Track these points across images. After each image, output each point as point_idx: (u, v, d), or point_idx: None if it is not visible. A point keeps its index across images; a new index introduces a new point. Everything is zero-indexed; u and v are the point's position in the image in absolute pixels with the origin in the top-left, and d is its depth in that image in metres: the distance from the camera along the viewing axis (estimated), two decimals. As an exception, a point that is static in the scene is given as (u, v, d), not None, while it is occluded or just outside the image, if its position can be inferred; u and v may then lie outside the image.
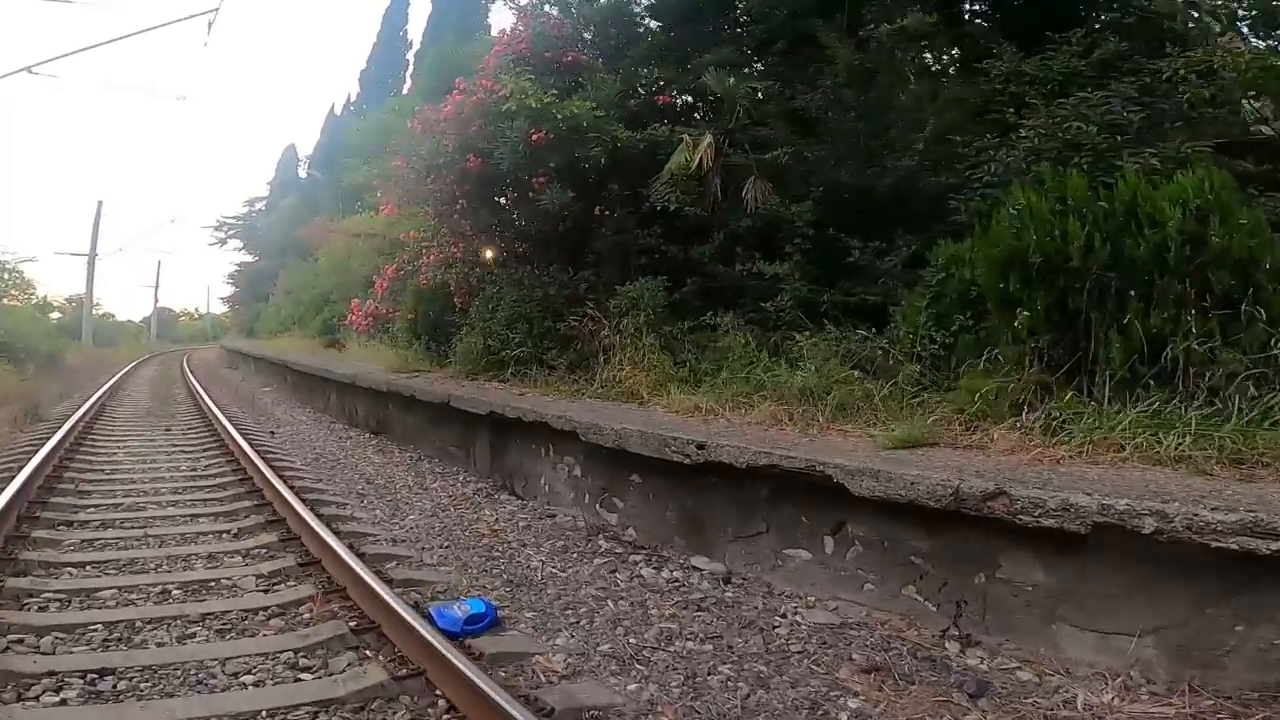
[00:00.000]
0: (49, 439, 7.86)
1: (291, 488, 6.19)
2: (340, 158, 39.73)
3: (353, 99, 44.51)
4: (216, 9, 12.04)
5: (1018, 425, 4.06)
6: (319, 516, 5.30)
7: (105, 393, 14.36)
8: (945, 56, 8.53)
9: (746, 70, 8.51)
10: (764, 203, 7.39)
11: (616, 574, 4.62)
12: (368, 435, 10.07)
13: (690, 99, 8.80)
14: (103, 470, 7.12)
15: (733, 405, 5.43)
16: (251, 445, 8.20)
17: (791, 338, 6.06)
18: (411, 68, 37.84)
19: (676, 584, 4.45)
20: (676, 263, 7.65)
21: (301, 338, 23.25)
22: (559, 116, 7.44)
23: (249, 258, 49.10)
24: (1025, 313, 4.30)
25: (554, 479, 6.33)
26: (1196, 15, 6.83)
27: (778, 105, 7.53)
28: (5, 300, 31.41)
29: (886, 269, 6.18)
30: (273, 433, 10.30)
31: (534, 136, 7.60)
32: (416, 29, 42.48)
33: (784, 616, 3.92)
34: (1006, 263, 4.42)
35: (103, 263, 69.18)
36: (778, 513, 4.40)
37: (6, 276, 31.48)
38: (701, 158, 7.22)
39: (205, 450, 8.50)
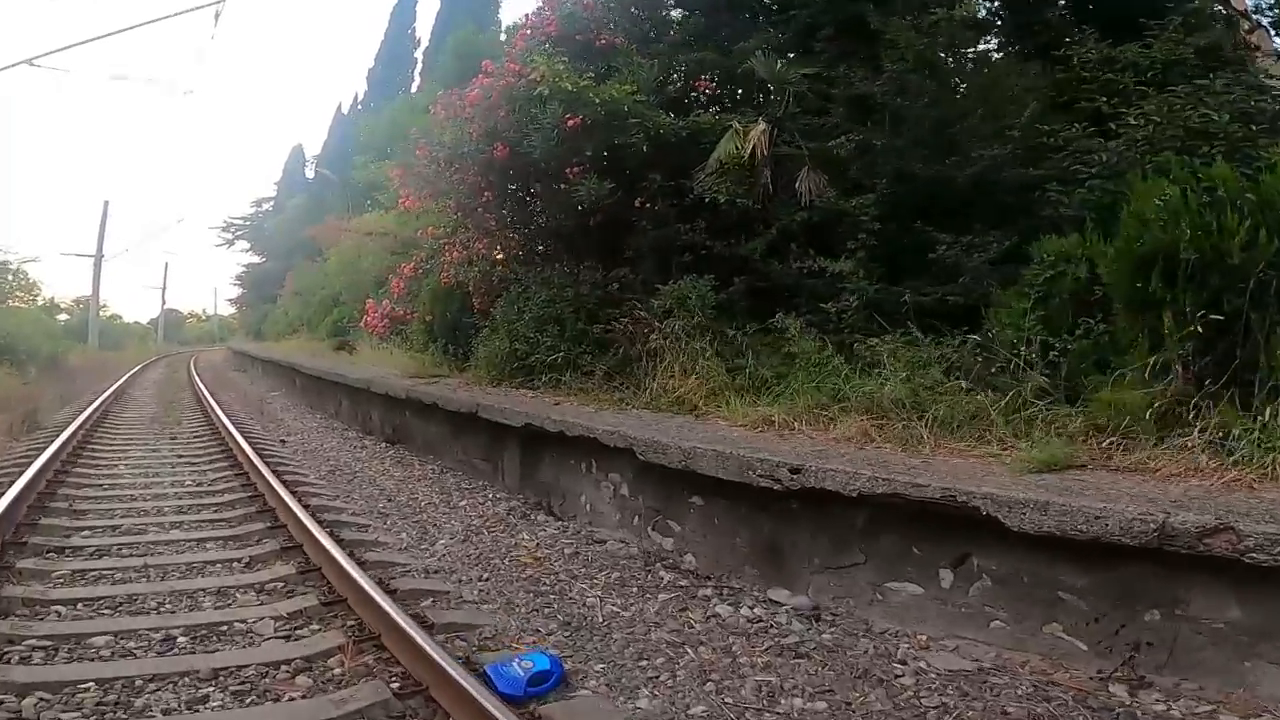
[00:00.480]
0: (44, 450, 7.29)
1: (306, 506, 5.61)
2: (348, 157, 39.38)
3: (360, 98, 44.07)
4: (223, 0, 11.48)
5: (1173, 443, 3.44)
6: (339, 542, 4.72)
7: (109, 397, 13.82)
8: (1012, 44, 7.94)
9: (792, 56, 7.90)
10: (818, 195, 6.80)
11: (688, 612, 4.02)
12: (384, 445, 9.48)
13: (731, 86, 8.17)
14: (101, 486, 6.54)
15: (809, 419, 4.82)
16: (261, 456, 7.62)
17: (862, 341, 5.45)
18: (420, 65, 37.35)
19: (760, 623, 3.85)
20: (721, 260, 7.04)
21: (310, 340, 22.69)
22: (597, 101, 6.86)
23: (256, 259, 48.70)
24: (1169, 316, 3.69)
25: (596, 498, 5.73)
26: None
27: (843, 89, 6.92)
28: (10, 302, 31.05)
29: (973, 266, 5.55)
30: (283, 441, 9.72)
31: (569, 122, 7.01)
32: (425, 27, 41.77)
33: (903, 663, 3.32)
34: (1145, 260, 3.80)
35: (110, 264, 68.88)
36: (879, 543, 3.81)
37: (11, 278, 31.10)
38: (755, 145, 6.63)
39: (212, 462, 7.92)
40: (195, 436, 9.75)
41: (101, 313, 45.54)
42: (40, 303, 40.91)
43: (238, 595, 4.04)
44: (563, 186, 7.51)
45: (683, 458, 4.40)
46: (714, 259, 7.05)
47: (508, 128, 7.51)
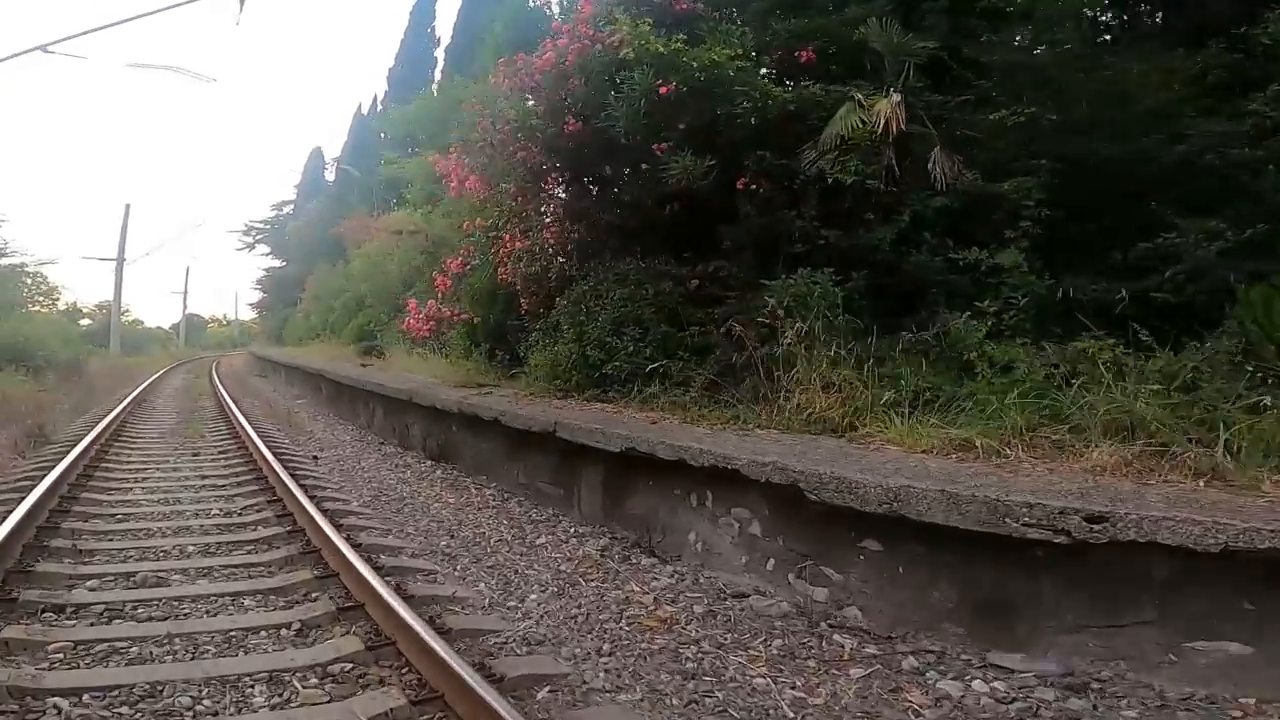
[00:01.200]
0: (51, 470, 6.34)
1: (356, 546, 4.64)
2: (369, 157, 38.69)
3: (380, 99, 43.40)
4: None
5: None
6: (408, 599, 3.73)
7: (127, 406, 12.92)
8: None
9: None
10: (953, 178, 5.78)
11: (903, 694, 2.97)
12: (429, 462, 8.48)
13: (836, 58, 7.13)
14: (113, 518, 5.56)
15: (1026, 444, 3.77)
16: (295, 477, 6.67)
17: (1057, 345, 4.40)
18: (442, 63, 36.50)
19: (1013, 701, 2.83)
20: (836, 252, 6.00)
21: (334, 345, 21.82)
22: (695, 65, 5.86)
23: (276, 263, 48.11)
24: None
25: (714, 537, 4.69)
26: None
27: (1000, 56, 5.90)
28: (30, 308, 30.43)
29: (1200, 257, 4.48)
30: (315, 457, 8.74)
31: (661, 90, 6.00)
32: (444, 25, 40.93)
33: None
34: None
35: (131, 268, 68.74)
36: (1183, 598, 2.80)
37: (29, 282, 30.47)
38: (888, 120, 5.61)
39: (240, 484, 6.94)
40: (220, 453, 8.79)
41: (123, 318, 45.08)
42: (62, 307, 40.49)
43: (295, 683, 3.02)
44: (645, 167, 6.50)
45: (887, 499, 3.35)
46: (830, 250, 6.00)
47: (580, 99, 6.50)
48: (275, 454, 8.12)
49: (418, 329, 8.77)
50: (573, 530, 5.63)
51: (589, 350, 6.75)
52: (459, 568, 4.72)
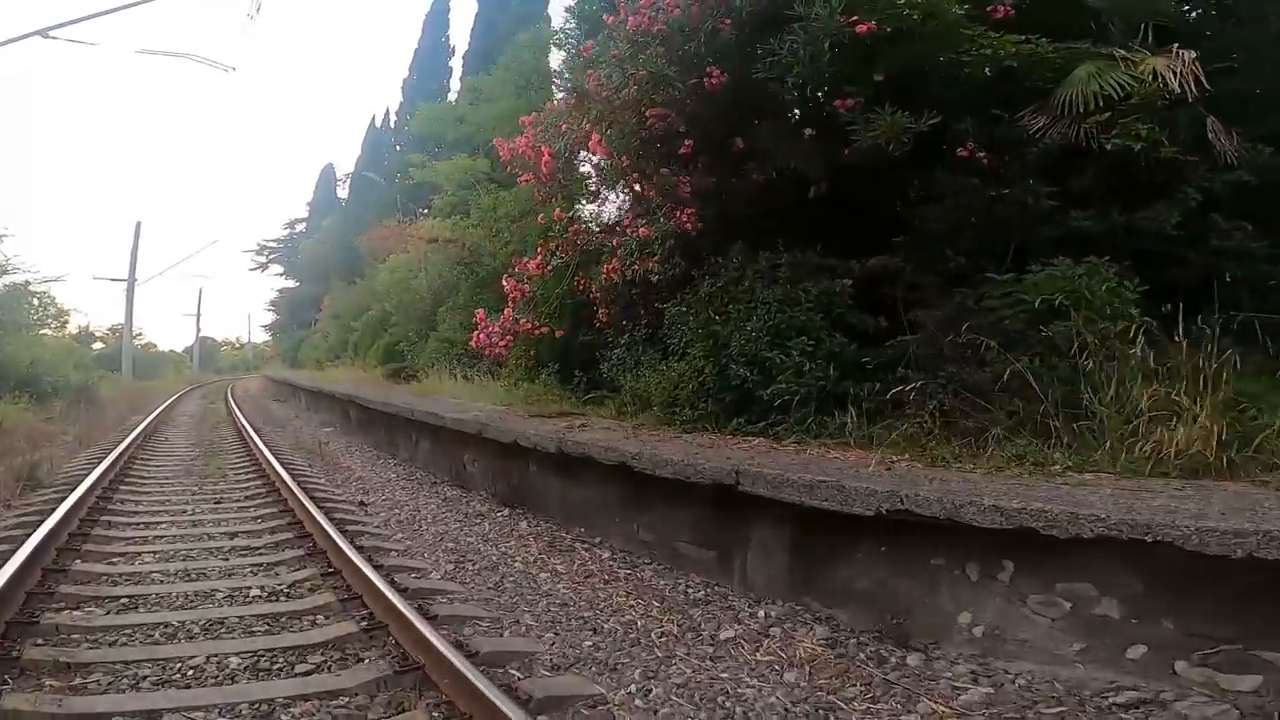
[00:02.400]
0: (39, 526, 4.85)
1: (472, 656, 3.16)
2: (383, 169, 37.54)
3: (393, 112, 42.40)
4: None
5: None
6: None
7: (138, 436, 11.43)
8: None
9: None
10: (1235, 151, 4.29)
11: None
12: (504, 511, 6.90)
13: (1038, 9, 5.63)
14: (116, 605, 4.03)
15: None
16: (347, 534, 5.23)
17: None
18: (459, 72, 35.41)
19: None
20: (1086, 237, 4.46)
21: (357, 367, 20.38)
22: (901, 1, 4.36)
23: (290, 283, 47.00)
24: None
25: (1010, 620, 3.15)
26: None
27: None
28: (39, 331, 29.13)
29: None
30: (363, 503, 7.22)
31: (860, 28, 4.49)
32: (458, 35, 39.94)
33: None
34: None
35: (143, 289, 67.85)
36: None
37: (36, 303, 29.15)
38: (1181, 76, 4.15)
39: (279, 546, 5.41)
40: (248, 497, 7.26)
41: (136, 341, 43.88)
42: (73, 330, 39.29)
43: None
44: (809, 132, 4.96)
45: None
46: (1082, 236, 4.47)
47: (726, 46, 5.00)
48: (315, 499, 6.62)
49: (492, 346, 7.19)
50: (754, 611, 4.06)
51: (734, 368, 5.20)
52: (636, 691, 3.14)
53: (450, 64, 39.37)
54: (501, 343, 7.18)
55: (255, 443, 10.84)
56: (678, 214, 5.85)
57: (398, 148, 34.81)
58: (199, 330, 51.87)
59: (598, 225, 7.19)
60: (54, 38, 10.21)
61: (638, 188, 5.95)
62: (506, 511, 6.78)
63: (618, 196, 6.35)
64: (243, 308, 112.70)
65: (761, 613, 4.03)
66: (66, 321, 35.32)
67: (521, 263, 7.74)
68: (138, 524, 6.00)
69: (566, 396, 8.27)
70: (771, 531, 4.24)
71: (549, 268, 7.36)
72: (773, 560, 4.27)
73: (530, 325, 7.34)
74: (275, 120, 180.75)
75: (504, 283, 7.92)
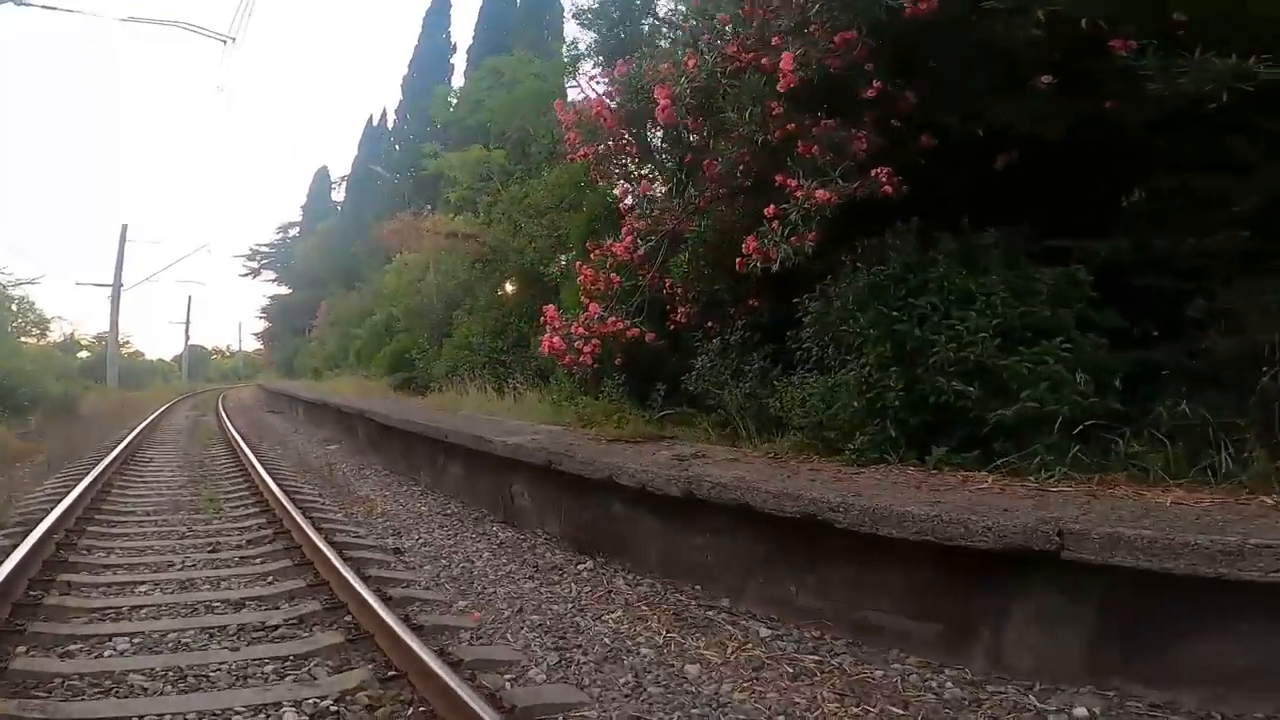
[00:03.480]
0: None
1: None
2: (381, 166, 36.06)
3: (390, 111, 41.00)
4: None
5: None
6: None
7: (119, 455, 9.92)
8: None
9: None
10: None
11: None
12: (583, 560, 5.44)
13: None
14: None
15: None
16: (394, 606, 3.82)
17: None
18: (462, 68, 34.10)
19: None
20: None
21: (360, 377, 18.88)
22: None
23: (283, 289, 45.40)
24: None
25: None
26: None
27: None
28: (17, 339, 27.50)
29: None
30: (398, 550, 5.76)
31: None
32: (459, 32, 38.79)
33: None
34: None
35: (131, 296, 66.14)
36: None
37: (15, 309, 27.48)
38: None
39: (305, 619, 3.97)
40: (251, 542, 5.78)
41: (123, 349, 42.19)
42: (57, 338, 37.61)
43: None
44: (1042, 81, 3.53)
45: None
46: None
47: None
48: (336, 546, 5.24)
49: (567, 352, 5.64)
50: (1044, 707, 2.63)
51: (935, 381, 3.78)
52: None
53: (452, 61, 38.11)
54: (587, 348, 5.66)
55: (253, 464, 9.35)
56: (859, 177, 4.35)
57: (397, 147, 33.40)
58: (188, 338, 50.16)
59: (684, 200, 5.72)
60: (27, 4, 8.73)
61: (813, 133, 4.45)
62: (588, 563, 5.31)
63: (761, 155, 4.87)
64: (233, 315, 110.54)
65: (1055, 704, 2.60)
66: (48, 329, 33.73)
67: (604, 246, 6.21)
68: (108, 587, 4.51)
69: (638, 414, 6.82)
70: (1060, 599, 2.84)
71: (638, 253, 5.89)
72: (1056, 634, 2.87)
73: (618, 325, 5.85)
74: (268, 122, 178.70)
75: (581, 272, 6.38)
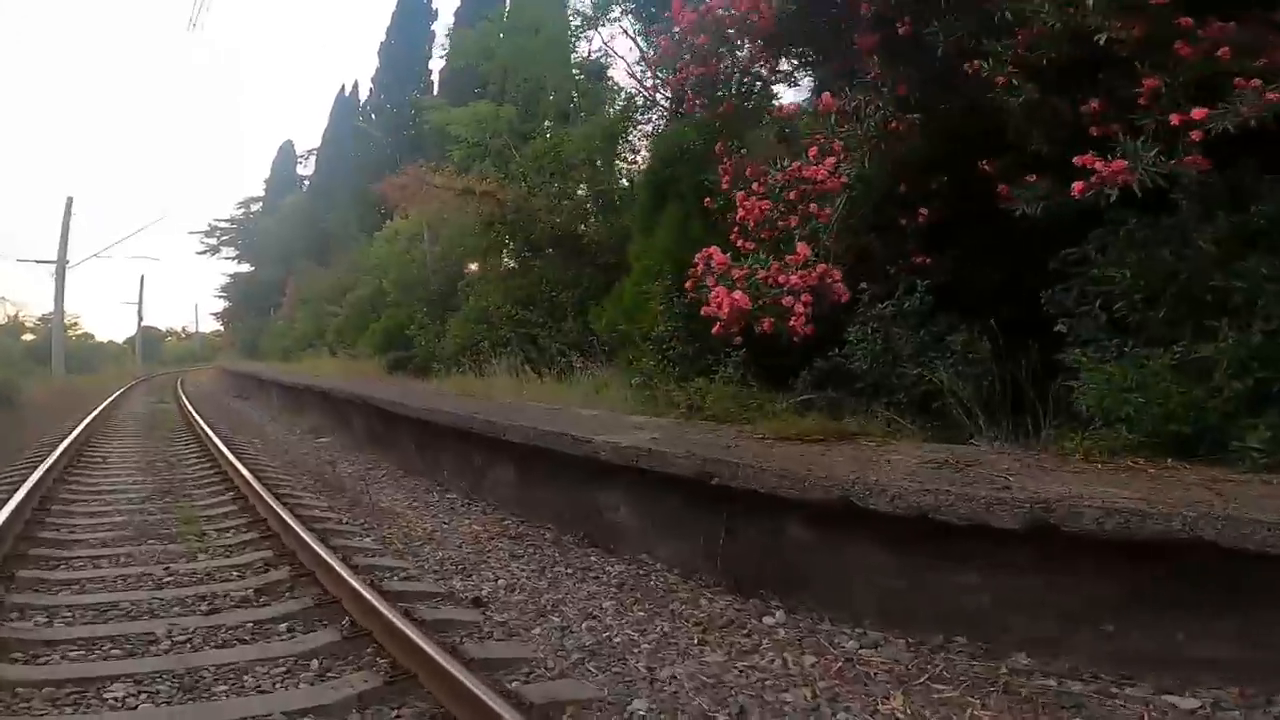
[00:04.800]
0: None
1: None
2: (350, 140, 33.77)
3: (360, 84, 38.43)
4: None
5: None
6: None
7: (61, 458, 7.91)
8: None
9: None
10: None
11: None
12: (767, 609, 3.75)
13: None
14: None
15: None
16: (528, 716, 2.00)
17: None
18: (439, 38, 31.81)
19: None
20: None
21: (344, 358, 16.85)
22: None
23: (244, 267, 42.56)
24: None
25: None
26: None
27: None
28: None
29: None
30: (479, 601, 4.01)
31: None
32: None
33: None
34: None
35: (80, 275, 62.34)
36: None
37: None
38: None
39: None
40: (262, 593, 3.98)
41: (70, 331, 39.31)
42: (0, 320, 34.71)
43: None
44: None
45: None
46: None
47: None
48: (388, 598, 3.47)
49: (747, 318, 3.75)
50: None
51: None
52: None
53: (433, 28, 35.68)
54: (799, 306, 3.81)
55: (234, 466, 7.45)
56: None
57: (373, 116, 31.08)
58: (141, 319, 47.01)
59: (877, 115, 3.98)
60: None
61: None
62: (776, 614, 3.62)
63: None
64: (190, 295, 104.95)
65: None
66: (-15, 308, 30.91)
67: (789, 169, 4.29)
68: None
69: (770, 400, 5.13)
70: None
71: (842, 176, 4.05)
72: None
73: (831, 276, 3.99)
74: (229, 94, 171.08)
75: (742, 205, 4.44)
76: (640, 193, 7.90)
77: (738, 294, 3.47)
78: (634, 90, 11.78)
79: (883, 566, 3.45)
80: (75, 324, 42.91)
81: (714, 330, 4.00)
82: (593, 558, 4.81)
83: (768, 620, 3.63)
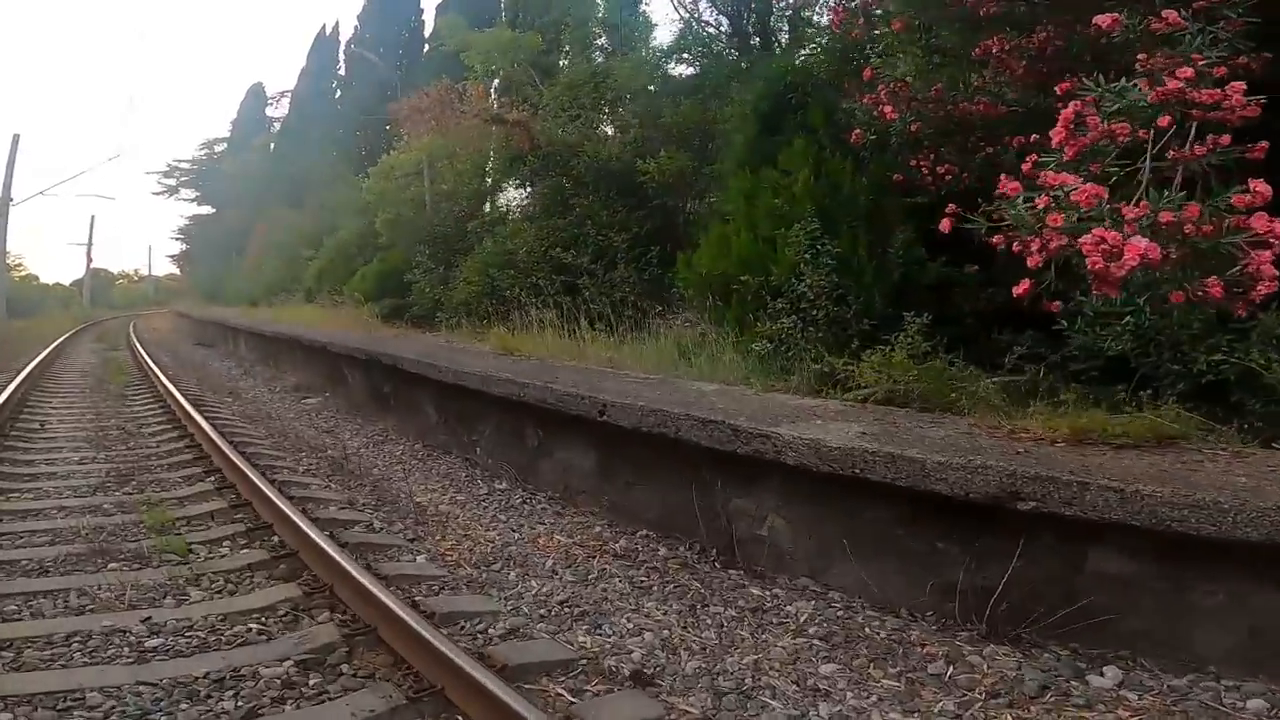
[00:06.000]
0: None
1: None
2: (331, 80, 31.49)
3: (340, 24, 35.68)
4: None
5: None
6: None
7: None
8: None
9: None
10: None
11: None
12: (1081, 668, 2.35)
13: None
14: None
15: None
16: None
17: None
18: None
19: None
20: None
21: (323, 305, 15.04)
22: None
23: (206, 209, 39.77)
24: None
25: None
26: None
27: None
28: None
29: None
30: (653, 689, 2.52)
31: None
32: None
33: None
34: None
35: (24, 214, 58.44)
36: None
37: None
38: None
39: None
40: (318, 696, 2.44)
41: (14, 273, 36.53)
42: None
43: None
44: None
45: None
46: None
47: None
48: (525, 691, 2.01)
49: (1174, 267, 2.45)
50: None
51: None
52: None
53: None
54: (1266, 258, 2.32)
55: (208, 436, 5.89)
56: None
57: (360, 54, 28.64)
58: (90, 260, 43.95)
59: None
60: None
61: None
62: (1105, 670, 2.31)
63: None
64: (144, 237, 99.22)
65: None
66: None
67: (1173, 89, 2.67)
68: None
69: (972, 379, 3.72)
70: None
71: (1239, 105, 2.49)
72: None
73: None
74: (191, 29, 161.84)
75: (1064, 130, 2.80)
76: (743, 125, 6.38)
77: (1141, 242, 2.02)
78: (681, 19, 10.44)
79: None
80: (19, 265, 39.92)
81: (1018, 291, 2.53)
82: (752, 588, 3.39)
83: (1096, 681, 2.31)
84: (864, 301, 4.56)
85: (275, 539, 3.87)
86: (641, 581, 3.53)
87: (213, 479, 5.10)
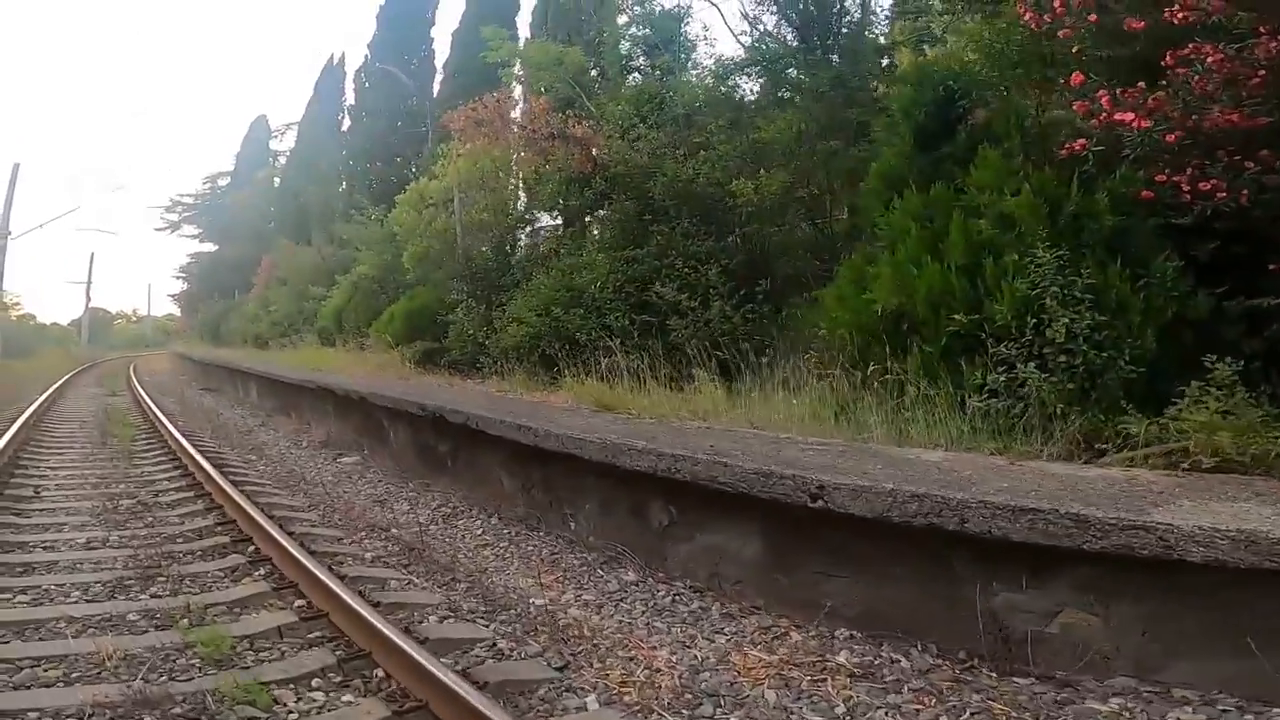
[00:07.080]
0: None
1: None
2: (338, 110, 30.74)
3: (347, 55, 35.13)
4: None
5: None
6: None
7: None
8: None
9: None
10: None
11: None
12: None
13: None
14: None
15: None
16: None
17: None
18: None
19: None
20: None
21: (345, 348, 13.94)
22: None
23: (209, 246, 38.82)
24: None
25: None
26: None
27: None
28: None
29: None
30: None
31: None
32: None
33: None
34: None
35: (21, 250, 57.52)
36: None
37: None
38: None
39: None
40: None
41: (11, 311, 35.49)
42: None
43: None
44: None
45: None
46: None
47: None
48: None
49: None
50: None
51: None
52: None
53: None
54: None
55: (246, 511, 4.78)
56: None
57: (367, 85, 28.01)
58: (89, 299, 42.82)
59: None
60: None
61: None
62: None
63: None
64: (143, 276, 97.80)
65: None
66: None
67: None
68: None
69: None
70: None
71: None
72: None
73: None
74: (195, 64, 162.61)
75: None
76: (895, 138, 5.38)
77: None
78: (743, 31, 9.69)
79: None
80: (16, 303, 38.80)
81: None
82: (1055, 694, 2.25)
83: None
84: (1138, 344, 3.49)
85: (378, 674, 2.72)
86: (913, 710, 2.41)
87: (262, 571, 3.95)
